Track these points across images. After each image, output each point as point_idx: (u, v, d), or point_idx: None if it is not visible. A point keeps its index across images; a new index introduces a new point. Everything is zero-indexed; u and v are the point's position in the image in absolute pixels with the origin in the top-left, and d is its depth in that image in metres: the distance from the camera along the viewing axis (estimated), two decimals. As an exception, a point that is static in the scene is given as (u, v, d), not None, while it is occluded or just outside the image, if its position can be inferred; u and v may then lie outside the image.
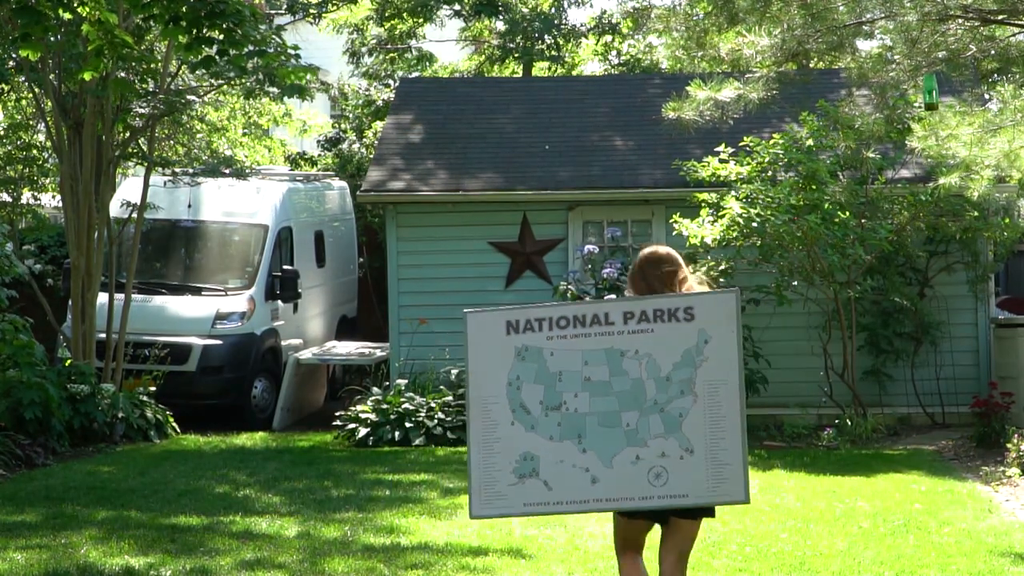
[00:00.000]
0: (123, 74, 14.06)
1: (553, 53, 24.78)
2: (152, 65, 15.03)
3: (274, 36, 9.80)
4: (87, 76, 9.47)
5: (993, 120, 11.08)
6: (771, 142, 14.55)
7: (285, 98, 17.12)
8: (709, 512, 5.99)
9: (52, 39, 13.64)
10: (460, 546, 8.62)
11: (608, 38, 25.34)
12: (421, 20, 24.29)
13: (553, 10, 25.03)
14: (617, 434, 5.68)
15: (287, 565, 8.14)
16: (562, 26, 24.89)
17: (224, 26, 8.90)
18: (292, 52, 9.80)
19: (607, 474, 5.66)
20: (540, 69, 25.68)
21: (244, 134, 19.75)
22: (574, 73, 25.91)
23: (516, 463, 5.70)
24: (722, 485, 5.68)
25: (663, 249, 6.20)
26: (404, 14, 24.15)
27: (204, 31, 8.93)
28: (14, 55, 15.24)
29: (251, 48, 9.45)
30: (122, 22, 11.17)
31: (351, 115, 24.86)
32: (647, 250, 6.21)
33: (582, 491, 5.68)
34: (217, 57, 9.14)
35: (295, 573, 7.99)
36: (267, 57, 9.71)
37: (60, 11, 9.43)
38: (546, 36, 24.59)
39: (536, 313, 5.82)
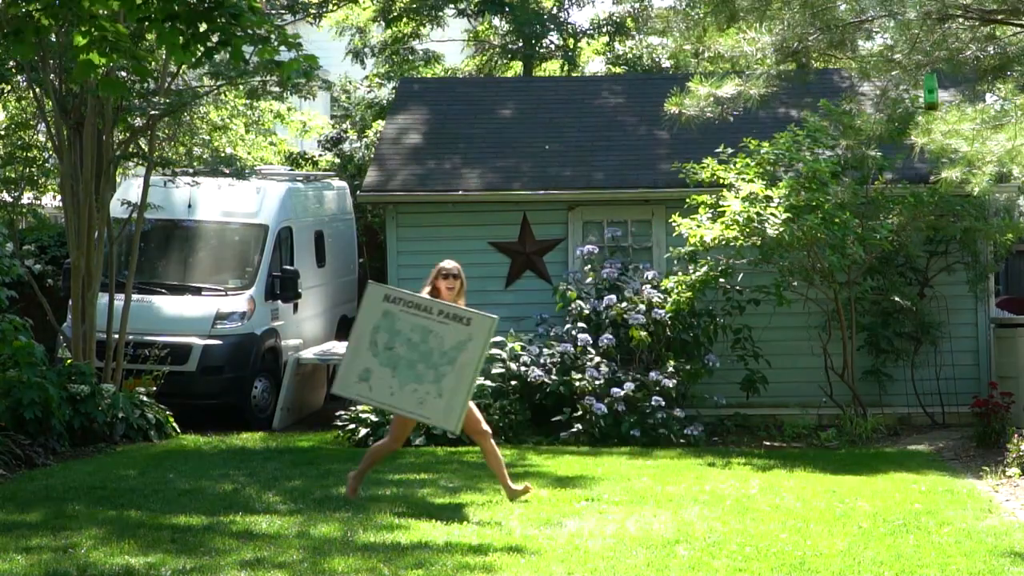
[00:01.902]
0: (123, 73, 14.04)
1: (560, 52, 24.75)
2: (151, 64, 15.01)
3: (273, 29, 9.74)
4: (80, 76, 9.44)
5: (994, 116, 11.09)
6: (771, 142, 14.55)
7: (288, 93, 17.05)
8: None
9: (53, 39, 13.65)
10: (460, 545, 8.61)
11: (608, 39, 25.34)
12: (425, 21, 24.25)
13: (555, 9, 25.04)
14: (411, 374, 9.74)
15: (287, 564, 8.14)
16: (566, 26, 24.88)
17: (221, 21, 8.86)
18: (293, 41, 9.77)
19: (399, 393, 9.77)
20: (546, 70, 25.64)
21: (247, 131, 19.73)
22: (580, 72, 25.90)
23: (360, 371, 9.85)
24: (447, 420, 9.83)
25: (451, 264, 10.20)
26: (409, 14, 24.10)
27: (200, 27, 8.89)
28: (15, 55, 15.24)
29: (250, 35, 9.41)
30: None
31: (354, 114, 24.84)
32: (441, 264, 10.24)
33: (385, 397, 9.84)
34: (216, 50, 9.10)
35: (295, 572, 7.99)
36: (265, 50, 9.68)
37: (48, 20, 9.41)
38: (552, 35, 24.58)
39: (402, 295, 9.95)
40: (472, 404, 10.04)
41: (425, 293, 10.06)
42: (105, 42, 8.99)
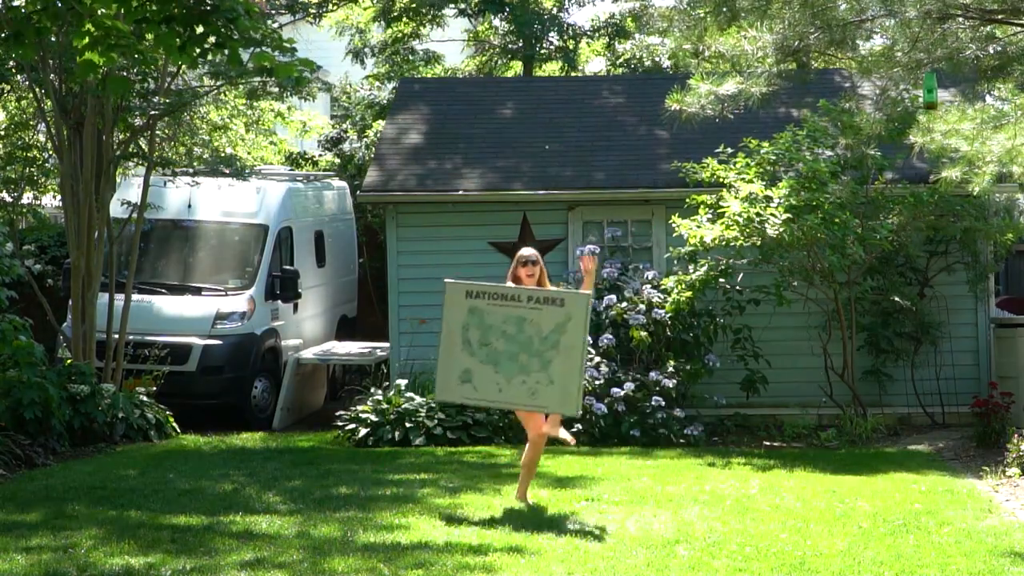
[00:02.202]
0: (124, 74, 14.04)
1: (560, 53, 24.74)
2: (151, 67, 15.01)
3: (270, 33, 9.73)
4: (82, 75, 9.44)
5: (994, 116, 11.08)
6: (772, 141, 14.55)
7: (287, 94, 17.06)
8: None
9: (53, 39, 13.65)
10: (460, 545, 8.61)
11: (608, 39, 25.33)
12: (425, 21, 24.24)
13: (555, 9, 25.03)
14: (514, 367, 9.48)
15: (287, 564, 8.14)
16: (567, 28, 24.87)
17: (218, 24, 8.87)
18: (288, 46, 9.77)
19: (507, 388, 9.52)
20: (546, 70, 25.64)
21: (247, 130, 19.73)
22: (580, 73, 25.90)
23: (460, 373, 9.65)
24: (565, 405, 9.57)
25: (529, 251, 9.94)
26: (409, 13, 24.09)
27: (197, 30, 8.90)
28: (14, 55, 15.24)
29: (246, 39, 9.42)
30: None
31: (355, 114, 24.84)
32: (520, 251, 9.97)
33: (493, 395, 9.65)
34: (212, 52, 9.12)
35: (295, 572, 7.99)
36: (261, 56, 9.68)
37: (48, 21, 9.43)
38: (552, 34, 24.56)
39: (484, 288, 9.66)
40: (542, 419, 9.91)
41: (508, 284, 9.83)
42: (106, 40, 8.99)
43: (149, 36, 13.36)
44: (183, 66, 16.02)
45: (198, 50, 8.99)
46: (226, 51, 9.09)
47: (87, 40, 8.97)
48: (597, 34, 25.15)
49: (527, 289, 9.54)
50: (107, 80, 10.40)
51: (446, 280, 9.87)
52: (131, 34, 9.41)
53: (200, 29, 8.91)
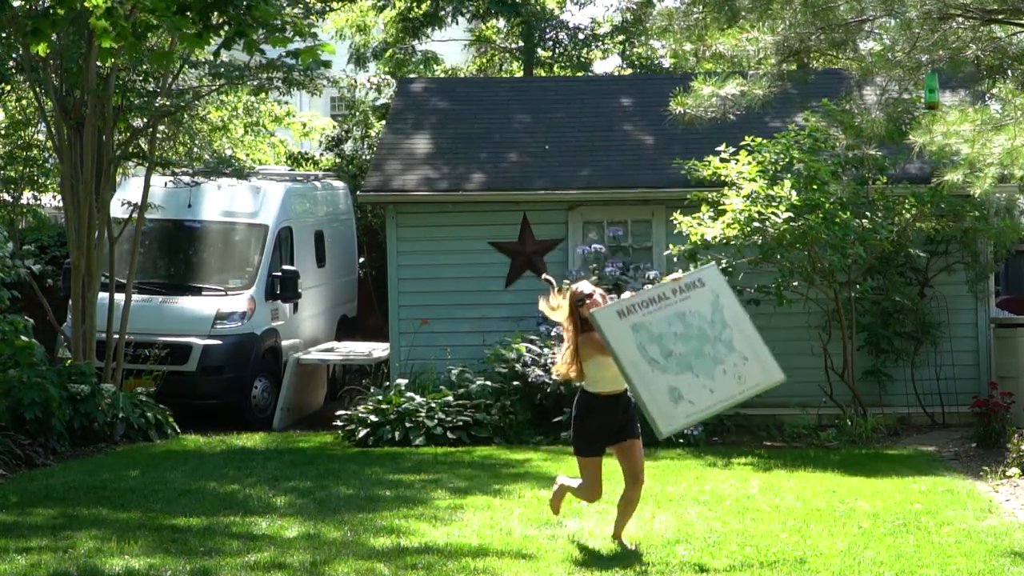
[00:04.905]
0: (127, 72, 14.06)
1: (567, 59, 24.73)
2: (156, 66, 15.02)
3: (290, 20, 9.74)
4: (105, 61, 9.48)
5: (995, 117, 11.07)
6: (772, 141, 14.55)
7: (293, 92, 17.02)
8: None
9: (56, 39, 13.65)
10: (461, 547, 8.62)
11: (610, 41, 25.35)
12: (432, 22, 24.24)
13: (556, 10, 25.03)
14: (708, 361, 8.62)
15: (288, 565, 8.14)
16: (577, 29, 24.88)
17: (233, 11, 8.89)
18: (308, 31, 9.79)
19: (715, 385, 8.59)
20: (557, 71, 25.66)
21: (245, 132, 19.73)
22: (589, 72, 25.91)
23: (667, 393, 8.47)
24: (768, 374, 8.74)
25: (585, 287, 8.76)
26: (414, 12, 24.09)
27: (212, 18, 8.91)
28: (15, 55, 15.23)
29: (267, 25, 9.44)
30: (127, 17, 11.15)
31: (357, 112, 24.84)
32: (577, 287, 8.79)
33: (708, 399, 8.56)
34: (229, 39, 9.12)
35: (296, 573, 7.99)
36: (278, 40, 9.70)
37: (62, 8, 9.46)
38: (558, 33, 24.55)
39: (630, 302, 8.63)
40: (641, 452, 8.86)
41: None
42: (122, 30, 9.01)
43: (152, 38, 13.39)
44: (184, 66, 16.05)
45: (215, 38, 9.02)
46: (242, 38, 9.10)
47: (104, 23, 8.98)
48: (604, 43, 25.16)
49: (664, 285, 8.88)
50: (151, 55, 10.41)
51: (591, 311, 8.57)
52: (145, 24, 9.43)
53: (216, 17, 8.94)
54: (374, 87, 25.54)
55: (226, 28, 9.03)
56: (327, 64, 10.05)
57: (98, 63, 14.07)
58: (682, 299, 8.76)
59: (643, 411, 8.49)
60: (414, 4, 24.02)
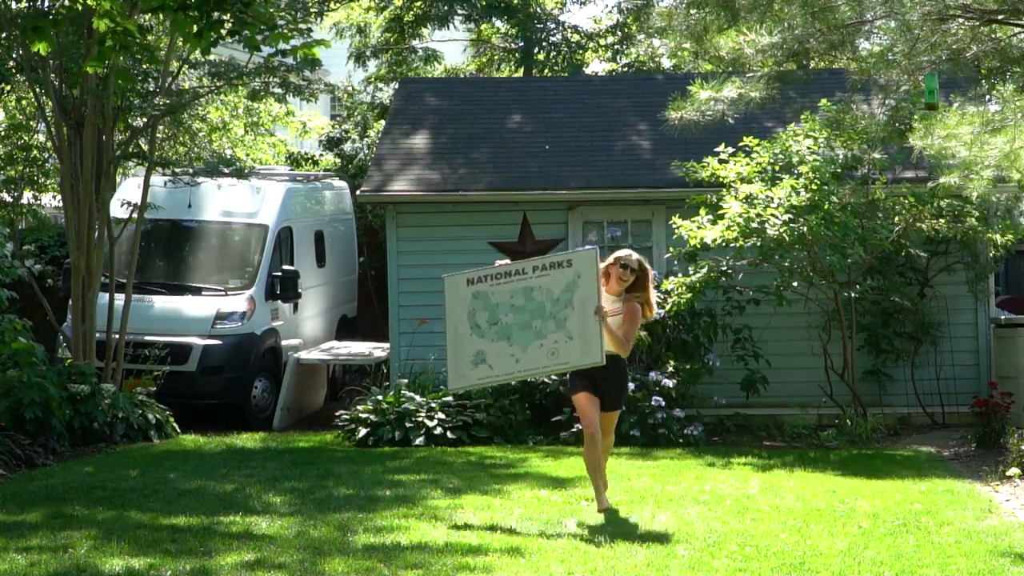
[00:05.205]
0: (129, 70, 14.05)
1: (565, 61, 24.72)
2: (153, 65, 15.02)
3: (289, 18, 9.79)
4: (90, 69, 9.48)
5: (993, 119, 11.07)
6: (772, 141, 14.55)
7: (290, 95, 17.03)
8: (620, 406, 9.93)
9: (56, 37, 13.64)
10: (460, 545, 8.61)
11: (615, 49, 25.34)
12: (425, 21, 24.23)
13: (555, 10, 25.02)
14: (529, 335, 9.43)
15: (287, 565, 8.14)
16: (573, 29, 24.86)
17: (234, 8, 8.91)
18: (304, 28, 9.83)
19: (524, 356, 9.46)
20: (551, 72, 25.66)
21: (245, 132, 19.73)
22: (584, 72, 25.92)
23: (472, 357, 9.53)
24: (588, 355, 9.31)
25: (628, 254, 9.54)
26: (414, 11, 24.08)
27: (213, 16, 8.92)
28: (15, 55, 15.23)
29: (265, 23, 9.46)
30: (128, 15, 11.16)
31: (356, 114, 24.83)
32: (621, 252, 9.57)
33: (511, 368, 9.54)
34: (228, 37, 9.14)
35: (295, 573, 7.99)
36: (277, 36, 9.72)
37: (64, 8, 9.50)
38: (555, 36, 24.54)
39: (484, 272, 9.70)
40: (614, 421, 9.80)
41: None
42: (117, 37, 9.02)
43: (151, 37, 13.40)
44: (184, 66, 16.05)
45: (215, 36, 9.03)
46: (242, 34, 9.12)
47: (101, 34, 8.99)
48: (603, 39, 25.14)
49: (532, 260, 9.59)
50: (112, 72, 10.44)
51: (443, 276, 9.89)
52: (136, 32, 9.44)
53: (216, 15, 8.95)
54: (372, 83, 25.51)
55: (225, 26, 9.05)
56: (319, 63, 10.09)
57: (87, 70, 14.15)
58: (539, 276, 9.45)
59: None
60: (404, 8, 24.02)
